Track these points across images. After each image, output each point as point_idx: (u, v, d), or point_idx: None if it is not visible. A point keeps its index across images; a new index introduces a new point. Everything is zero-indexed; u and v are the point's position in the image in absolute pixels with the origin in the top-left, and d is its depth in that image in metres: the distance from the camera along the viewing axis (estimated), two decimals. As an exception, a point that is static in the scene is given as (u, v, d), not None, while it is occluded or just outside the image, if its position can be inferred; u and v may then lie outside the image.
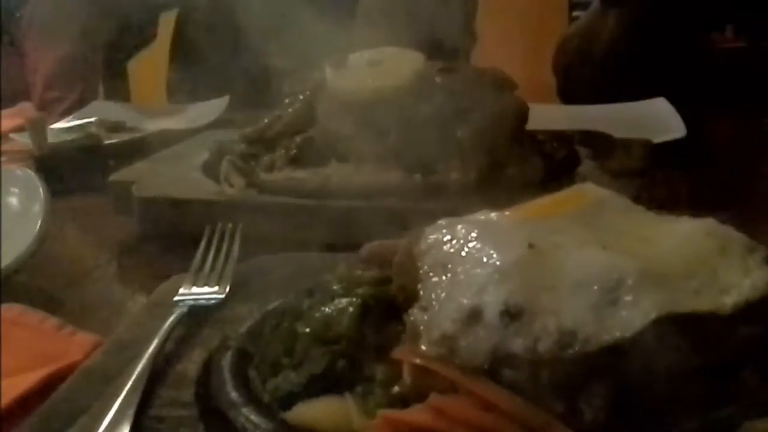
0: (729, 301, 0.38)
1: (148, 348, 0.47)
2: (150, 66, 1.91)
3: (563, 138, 0.86)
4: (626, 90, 1.22)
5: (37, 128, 1.09)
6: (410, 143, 0.75)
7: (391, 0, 1.22)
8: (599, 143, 0.89)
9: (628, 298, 0.38)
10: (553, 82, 1.52)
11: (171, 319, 0.50)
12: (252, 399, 0.41)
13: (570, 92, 1.41)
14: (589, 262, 0.40)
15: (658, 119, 1.14)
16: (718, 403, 0.36)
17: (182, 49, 1.61)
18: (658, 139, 0.97)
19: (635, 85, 1.22)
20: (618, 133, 0.94)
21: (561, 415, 0.36)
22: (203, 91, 1.46)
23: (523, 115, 0.84)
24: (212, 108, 1.36)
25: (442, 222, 0.46)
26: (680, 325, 0.37)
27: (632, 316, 0.37)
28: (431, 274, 0.43)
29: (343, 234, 0.69)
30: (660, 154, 0.92)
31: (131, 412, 0.41)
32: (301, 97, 0.82)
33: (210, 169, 0.83)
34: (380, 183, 0.74)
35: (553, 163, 0.81)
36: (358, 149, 0.76)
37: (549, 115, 1.08)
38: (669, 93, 1.21)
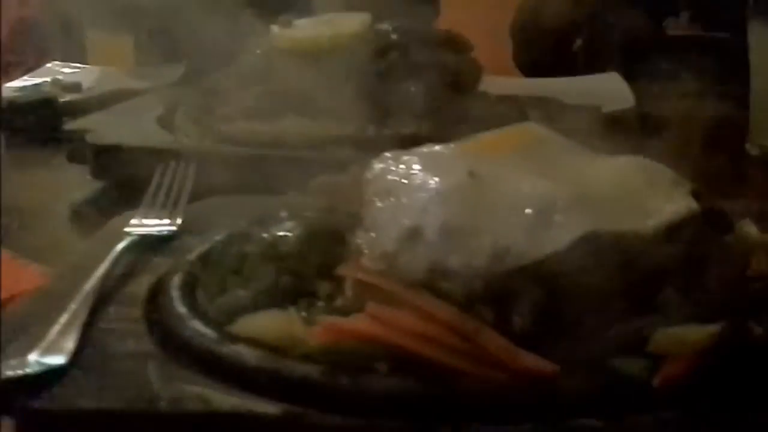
0: (651, 223, 0.41)
1: (98, 270, 0.48)
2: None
3: (514, 101, 0.89)
4: (578, 61, 1.25)
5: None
6: (364, 96, 0.76)
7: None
8: (549, 107, 0.91)
9: (559, 218, 0.40)
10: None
11: (122, 244, 0.51)
12: (199, 314, 0.43)
13: (522, 57, 1.43)
14: (525, 188, 0.42)
15: (609, 91, 1.17)
16: (639, 315, 0.39)
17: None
18: (607, 108, 1.00)
19: (586, 56, 1.25)
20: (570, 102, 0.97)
21: (492, 323, 0.38)
22: (167, 57, 1.45)
23: (476, 76, 0.86)
24: (171, 71, 1.36)
25: (388, 154, 0.48)
26: (604, 243, 0.39)
27: (561, 234, 0.39)
28: (375, 199, 0.44)
29: (298, 183, 0.71)
30: (610, 124, 0.95)
31: (80, 323, 0.42)
32: (258, 51, 0.84)
33: (166, 121, 0.84)
34: (335, 135, 0.75)
35: (503, 124, 0.83)
36: (314, 102, 0.77)
37: (505, 85, 1.10)
38: (620, 68, 1.24)
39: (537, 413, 0.36)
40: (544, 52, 1.41)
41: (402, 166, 0.46)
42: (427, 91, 0.79)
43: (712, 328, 0.37)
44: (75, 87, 1.34)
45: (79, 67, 1.53)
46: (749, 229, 0.47)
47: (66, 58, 1.84)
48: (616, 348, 0.37)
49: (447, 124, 0.79)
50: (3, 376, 0.37)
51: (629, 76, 1.23)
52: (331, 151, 0.74)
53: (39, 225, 0.75)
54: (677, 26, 1.68)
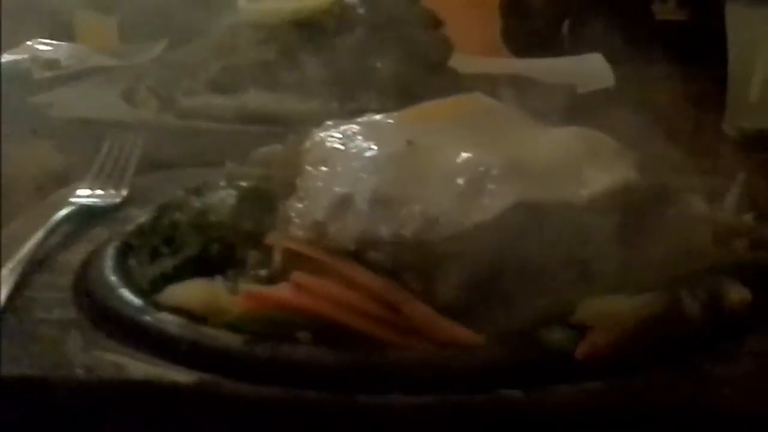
0: (585, 192, 0.39)
1: (32, 238, 0.47)
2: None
3: (486, 79, 0.87)
4: (565, 42, 1.23)
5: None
6: (329, 71, 0.75)
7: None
8: (522, 86, 0.90)
9: (491, 187, 0.39)
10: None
11: (61, 213, 0.51)
12: (128, 284, 0.42)
13: (511, 35, 1.42)
14: (460, 157, 0.41)
15: (589, 72, 1.16)
16: (569, 286, 0.38)
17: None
18: (584, 89, 0.99)
19: (573, 36, 1.23)
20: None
21: (418, 294, 0.37)
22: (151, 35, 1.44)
23: (445, 52, 0.85)
24: (150, 48, 1.34)
25: (329, 123, 0.47)
26: (536, 213, 0.38)
27: (492, 203, 0.38)
28: (310, 168, 0.43)
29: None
30: (586, 103, 0.94)
31: (6, 290, 0.41)
32: (224, 24, 0.82)
33: (130, 95, 0.83)
34: (297, 110, 0.74)
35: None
36: (277, 77, 0.76)
37: (484, 65, 1.09)
38: (608, 49, 1.23)
39: (460, 384, 0.35)
40: (533, 31, 1.39)
41: (341, 135, 0.45)
42: (394, 67, 0.78)
43: (639, 300, 0.36)
44: (54, 64, 1.33)
45: (58, 45, 1.52)
46: (696, 204, 0.46)
47: (53, 38, 1.83)
48: (542, 318, 0.36)
49: (414, 101, 0.78)
50: None
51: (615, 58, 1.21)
52: (292, 127, 0.72)
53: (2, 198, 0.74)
54: (665, 10, 1.66)
